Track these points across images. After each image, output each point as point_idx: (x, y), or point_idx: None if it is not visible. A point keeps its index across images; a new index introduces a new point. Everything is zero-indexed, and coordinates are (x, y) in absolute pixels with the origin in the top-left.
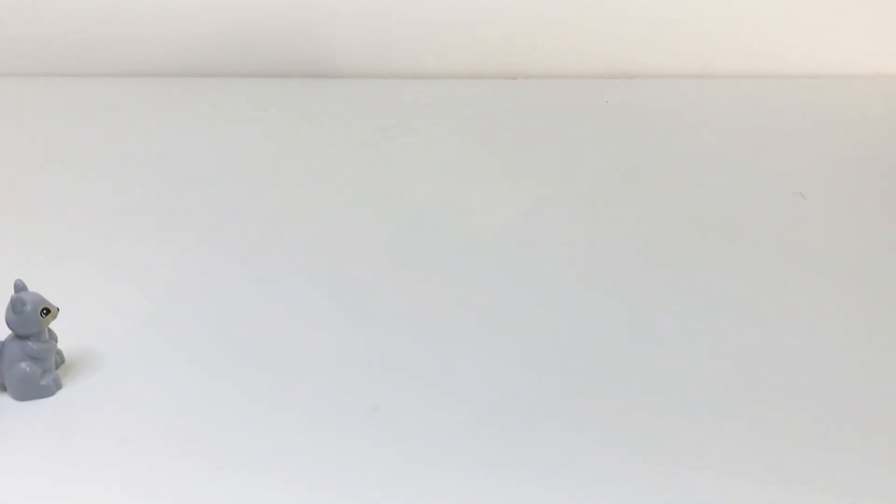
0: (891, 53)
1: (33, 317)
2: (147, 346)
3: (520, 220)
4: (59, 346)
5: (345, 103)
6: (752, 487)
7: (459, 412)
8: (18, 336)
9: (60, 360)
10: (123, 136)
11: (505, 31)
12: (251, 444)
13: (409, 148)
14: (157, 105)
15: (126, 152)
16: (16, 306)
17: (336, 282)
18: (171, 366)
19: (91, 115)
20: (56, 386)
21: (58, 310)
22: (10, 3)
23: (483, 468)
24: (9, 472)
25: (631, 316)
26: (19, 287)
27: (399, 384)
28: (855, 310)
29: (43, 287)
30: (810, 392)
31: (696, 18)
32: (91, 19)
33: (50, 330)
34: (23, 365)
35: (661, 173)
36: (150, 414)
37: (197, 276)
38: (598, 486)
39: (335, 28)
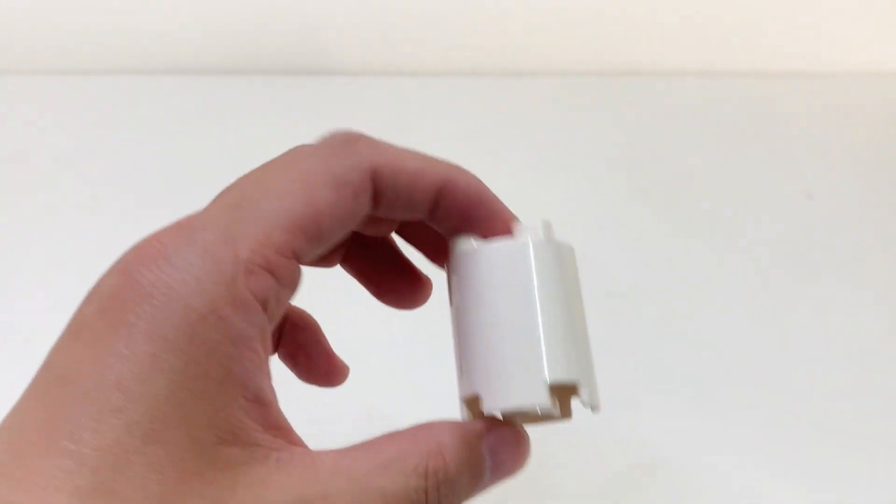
0: None
1: None
2: None
3: (521, 218)
4: None
5: (345, 101)
6: (758, 488)
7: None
8: None
9: None
10: (116, 134)
11: (507, 28)
12: None
13: (410, 146)
14: (151, 102)
15: (118, 150)
16: None
17: (334, 280)
18: None
19: (84, 114)
20: None
21: None
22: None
23: None
24: None
25: (632, 315)
26: None
27: (400, 384)
28: (860, 309)
29: (42, 286)
30: (818, 391)
31: (699, 15)
32: (83, 15)
33: None
34: None
35: (663, 172)
36: None
37: None
38: (600, 487)
39: (335, 24)
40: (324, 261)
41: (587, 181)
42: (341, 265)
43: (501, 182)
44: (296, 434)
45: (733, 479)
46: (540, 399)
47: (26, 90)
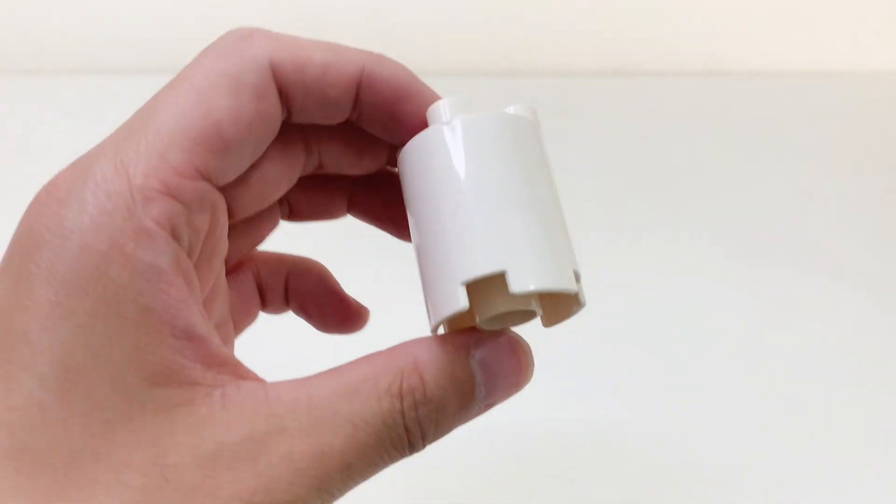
0: None
1: None
2: None
3: None
4: None
5: None
6: (759, 491)
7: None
8: None
9: None
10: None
11: (507, 28)
12: None
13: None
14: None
15: None
16: None
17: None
18: None
19: (83, 114)
20: None
21: None
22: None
23: (484, 471)
24: None
25: (631, 316)
26: None
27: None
28: (860, 308)
29: None
30: (818, 391)
31: (699, 15)
32: (84, 15)
33: None
34: None
35: (663, 172)
36: None
37: None
38: (603, 487)
39: (334, 25)
40: (328, 213)
41: (586, 181)
42: (350, 213)
43: None
44: (246, 368)
45: (735, 480)
46: (458, 304)
47: (26, 90)
